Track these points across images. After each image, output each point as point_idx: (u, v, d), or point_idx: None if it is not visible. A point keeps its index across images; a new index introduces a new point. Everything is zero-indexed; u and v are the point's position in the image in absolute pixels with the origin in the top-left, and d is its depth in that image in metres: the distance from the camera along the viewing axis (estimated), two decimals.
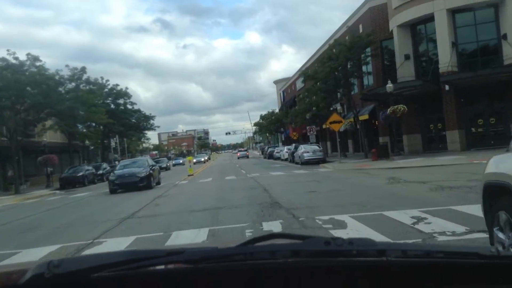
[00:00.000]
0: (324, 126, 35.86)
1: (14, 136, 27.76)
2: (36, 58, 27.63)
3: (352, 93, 30.97)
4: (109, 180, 20.40)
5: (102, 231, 8.55)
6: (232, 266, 1.04)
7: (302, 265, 1.04)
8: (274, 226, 7.35)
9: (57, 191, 26.56)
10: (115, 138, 52.00)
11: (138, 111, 49.91)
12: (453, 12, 24.68)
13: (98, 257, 1.08)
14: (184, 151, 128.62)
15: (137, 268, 1.01)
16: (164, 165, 46.97)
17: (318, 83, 30.68)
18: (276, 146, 57.35)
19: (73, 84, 31.69)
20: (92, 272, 0.99)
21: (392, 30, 27.91)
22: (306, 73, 33.92)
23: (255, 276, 1.04)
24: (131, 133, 51.78)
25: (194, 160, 47.36)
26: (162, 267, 1.05)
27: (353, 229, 6.51)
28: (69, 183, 28.60)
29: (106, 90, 43.72)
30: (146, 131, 55.59)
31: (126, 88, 47.14)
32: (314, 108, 37.04)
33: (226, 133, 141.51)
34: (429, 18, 25.23)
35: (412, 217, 6.85)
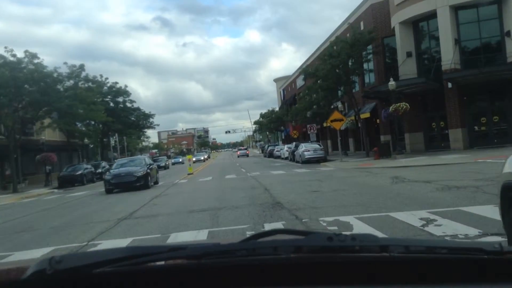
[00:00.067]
0: (325, 124, 35.60)
1: (12, 134, 27.52)
2: (34, 56, 27.34)
3: (354, 91, 30.68)
4: (104, 180, 19.81)
5: (98, 233, 8.31)
6: (234, 262, 1.04)
7: (305, 261, 1.05)
8: (276, 227, 7.05)
9: (55, 190, 26.30)
10: (114, 137, 51.75)
11: (138, 109, 49.50)
12: (456, 9, 24.40)
13: (100, 253, 1.06)
14: (184, 150, 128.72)
15: (139, 264, 1.01)
16: (162, 164, 46.59)
17: (319, 81, 30.42)
18: (276, 145, 57.18)
19: (72, 81, 31.46)
20: (94, 267, 0.99)
21: (394, 27, 27.63)
22: (307, 70, 33.62)
23: (258, 272, 1.04)
24: (130, 131, 51.49)
25: (194, 159, 47.18)
26: (164, 262, 1.06)
27: (360, 231, 6.20)
28: (68, 182, 28.29)
29: (105, 88, 43.34)
30: (145, 130, 55.28)
31: (126, 86, 46.75)
32: (314, 106, 36.88)
33: (226, 132, 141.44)
34: (432, 15, 24.96)
35: (421, 219, 6.57)
